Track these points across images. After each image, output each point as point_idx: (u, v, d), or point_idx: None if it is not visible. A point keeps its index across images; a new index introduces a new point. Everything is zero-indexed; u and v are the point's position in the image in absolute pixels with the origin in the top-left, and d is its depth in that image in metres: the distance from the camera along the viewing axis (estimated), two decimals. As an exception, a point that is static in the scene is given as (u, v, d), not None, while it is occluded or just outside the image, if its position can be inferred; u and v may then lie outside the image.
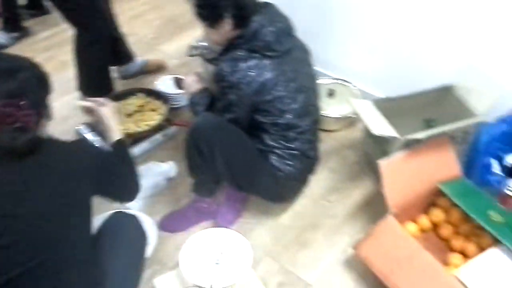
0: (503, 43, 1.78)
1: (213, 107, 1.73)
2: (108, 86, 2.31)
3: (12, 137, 1.11)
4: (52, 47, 2.84)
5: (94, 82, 2.26)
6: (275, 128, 1.64)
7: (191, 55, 2.43)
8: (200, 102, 1.74)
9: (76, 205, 1.22)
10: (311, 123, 1.71)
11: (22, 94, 1.14)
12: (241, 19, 1.55)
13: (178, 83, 2.28)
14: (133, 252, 1.40)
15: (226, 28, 1.57)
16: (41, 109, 1.21)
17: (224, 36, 1.61)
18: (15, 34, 2.90)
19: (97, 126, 1.91)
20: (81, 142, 1.70)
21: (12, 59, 1.22)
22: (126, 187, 1.46)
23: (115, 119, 1.55)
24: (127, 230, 1.41)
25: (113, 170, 1.39)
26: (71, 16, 2.09)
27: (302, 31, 1.70)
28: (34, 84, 1.19)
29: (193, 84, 1.80)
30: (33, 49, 2.82)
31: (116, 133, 1.51)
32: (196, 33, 2.72)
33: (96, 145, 1.80)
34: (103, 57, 2.24)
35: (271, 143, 1.66)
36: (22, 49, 2.82)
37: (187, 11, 3.02)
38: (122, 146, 1.50)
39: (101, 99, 1.57)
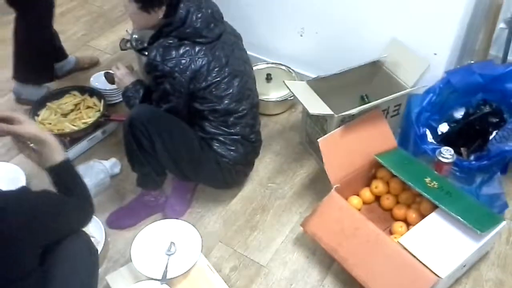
0: (424, 16, 1.87)
1: (149, 99, 1.70)
2: (51, 74, 2.27)
3: None
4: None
5: (35, 68, 2.18)
6: (214, 115, 1.65)
7: (124, 49, 2.35)
8: (135, 95, 1.71)
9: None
10: (249, 107, 1.73)
11: None
12: (173, 6, 1.54)
13: (110, 78, 2.22)
14: (85, 277, 1.24)
15: (159, 14, 1.54)
16: None
17: (152, 22, 1.58)
18: None
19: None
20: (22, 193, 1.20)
21: None
22: (79, 219, 1.26)
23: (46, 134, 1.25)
24: (77, 255, 1.22)
25: (59, 208, 1.18)
26: None
27: (233, 16, 1.71)
28: None
29: (124, 77, 1.76)
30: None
31: (58, 152, 1.23)
32: (127, 27, 2.67)
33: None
34: (48, 41, 2.17)
35: (212, 130, 1.67)
36: None
37: (116, 5, 2.99)
38: (67, 168, 1.25)
39: (15, 115, 1.21)
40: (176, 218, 1.73)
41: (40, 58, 2.17)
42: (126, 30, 2.38)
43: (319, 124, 1.91)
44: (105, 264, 1.65)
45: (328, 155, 1.68)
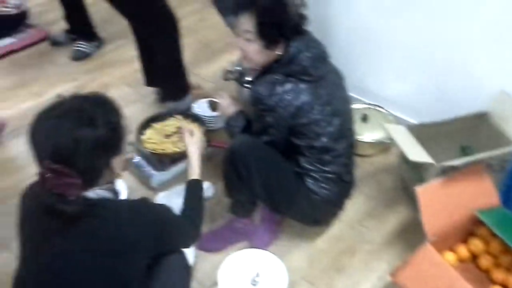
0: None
1: (249, 129, 1.77)
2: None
3: (50, 201, 1.02)
4: (95, 69, 2.95)
5: (183, 84, 2.43)
6: (311, 151, 1.66)
7: (226, 79, 2.49)
8: (236, 125, 1.79)
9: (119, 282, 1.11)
10: (346, 146, 1.73)
11: (70, 158, 1.03)
12: (285, 44, 1.60)
13: (213, 105, 2.33)
14: None
15: (278, 51, 1.60)
16: (93, 174, 1.10)
17: (269, 59, 1.63)
18: (95, 43, 3.05)
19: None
20: (143, 202, 1.31)
21: (79, 109, 1.08)
22: (190, 236, 1.39)
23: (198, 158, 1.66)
24: (175, 270, 1.31)
25: (176, 224, 1.31)
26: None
27: (336, 56, 1.74)
28: (90, 148, 1.05)
29: (228, 106, 1.85)
30: (78, 70, 2.94)
31: (196, 172, 1.60)
32: (230, 58, 2.81)
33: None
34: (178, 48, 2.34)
35: (307, 166, 1.68)
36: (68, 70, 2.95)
37: (221, 36, 3.15)
38: (197, 186, 1.56)
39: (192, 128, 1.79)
40: (262, 248, 1.75)
41: (184, 74, 2.39)
42: (229, 62, 2.52)
43: (417, 171, 1.86)
44: (192, 285, 1.70)
45: (426, 205, 1.62)
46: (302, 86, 1.59)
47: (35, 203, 1.13)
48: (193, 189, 1.56)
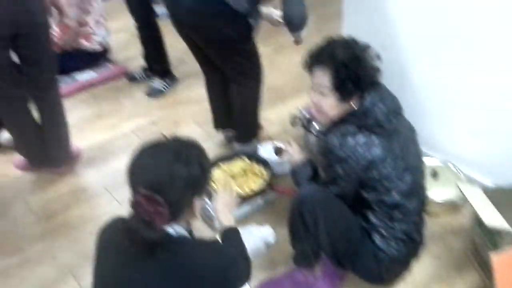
0: None
1: (315, 178, 1.77)
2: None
3: (137, 227, 1.09)
4: (168, 106, 3.08)
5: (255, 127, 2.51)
6: (380, 206, 1.63)
7: (294, 125, 2.52)
8: (303, 173, 1.80)
9: None
10: (417, 204, 1.68)
11: (163, 189, 1.12)
12: (360, 96, 1.60)
13: (279, 151, 2.35)
14: None
15: (353, 104, 1.60)
16: (178, 209, 1.18)
17: (344, 111, 1.63)
18: (169, 81, 3.23)
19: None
20: (216, 245, 1.38)
21: (178, 148, 1.21)
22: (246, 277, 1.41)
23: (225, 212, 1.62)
24: None
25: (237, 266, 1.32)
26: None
27: (406, 110, 1.72)
28: (182, 184, 1.16)
29: (295, 154, 1.86)
30: (152, 106, 3.09)
31: (226, 226, 1.56)
32: (297, 103, 2.85)
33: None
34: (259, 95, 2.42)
35: (375, 221, 1.64)
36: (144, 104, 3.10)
37: (290, 81, 3.21)
38: (232, 232, 1.53)
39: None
40: (322, 302, 1.71)
41: (257, 119, 2.47)
42: (297, 108, 2.55)
43: (491, 237, 1.75)
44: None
45: (502, 275, 1.52)
46: (375, 139, 1.58)
47: (115, 234, 1.20)
48: (230, 235, 1.53)
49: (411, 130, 1.74)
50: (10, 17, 2.00)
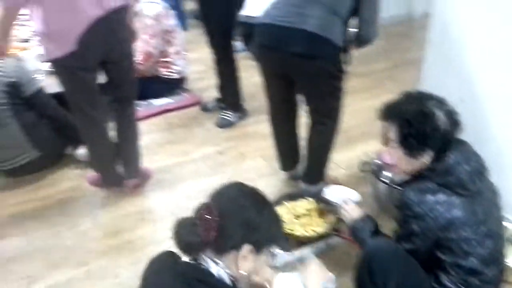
0: None
1: (377, 234, 1.71)
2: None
3: (191, 239, 1.20)
4: (236, 138, 3.14)
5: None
6: (456, 269, 1.53)
7: (363, 170, 2.47)
8: (365, 229, 1.76)
9: None
10: (497, 272, 1.58)
11: (227, 216, 1.21)
12: (441, 153, 1.55)
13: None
14: None
15: (424, 159, 1.57)
16: (225, 242, 1.21)
17: (416, 167, 1.60)
18: (239, 114, 3.32)
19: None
20: None
21: (258, 197, 1.31)
22: None
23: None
24: None
25: None
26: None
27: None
28: (240, 221, 1.23)
29: (352, 211, 1.84)
30: (221, 136, 3.16)
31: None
32: (366, 148, 2.80)
33: None
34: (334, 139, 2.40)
35: (449, 285, 1.55)
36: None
37: (360, 124, 3.17)
38: None
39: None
40: None
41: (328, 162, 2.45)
42: (366, 153, 2.50)
43: None
44: None
45: None
46: (456, 199, 1.51)
47: (165, 261, 1.27)
48: None
49: (495, 194, 1.66)
50: (105, 46, 2.14)
